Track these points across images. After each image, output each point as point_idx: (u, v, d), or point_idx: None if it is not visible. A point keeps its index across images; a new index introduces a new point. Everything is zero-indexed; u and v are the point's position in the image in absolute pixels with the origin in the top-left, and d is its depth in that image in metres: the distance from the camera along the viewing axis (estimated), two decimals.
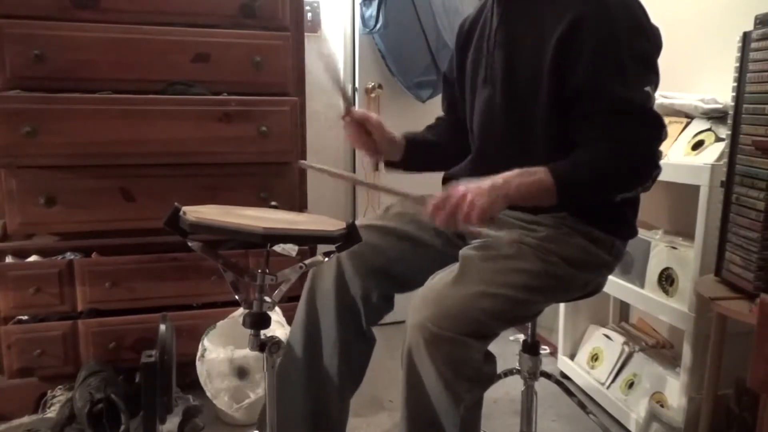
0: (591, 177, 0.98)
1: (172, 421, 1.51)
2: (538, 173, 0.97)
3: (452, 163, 1.26)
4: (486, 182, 0.95)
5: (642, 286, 1.61)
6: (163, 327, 1.37)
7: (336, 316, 1.17)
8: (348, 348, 1.18)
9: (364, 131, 1.19)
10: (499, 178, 0.96)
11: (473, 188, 0.94)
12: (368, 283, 1.16)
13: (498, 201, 0.94)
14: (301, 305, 1.21)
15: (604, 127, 0.98)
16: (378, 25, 2.24)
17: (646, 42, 1.01)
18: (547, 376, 1.47)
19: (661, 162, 1.01)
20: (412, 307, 0.99)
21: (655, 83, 1.02)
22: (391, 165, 1.27)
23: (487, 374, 1.00)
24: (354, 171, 2.49)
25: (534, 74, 1.05)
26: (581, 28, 0.98)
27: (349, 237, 0.98)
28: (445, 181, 1.27)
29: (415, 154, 1.26)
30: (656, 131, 0.99)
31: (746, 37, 1.23)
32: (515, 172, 0.97)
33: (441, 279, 1.01)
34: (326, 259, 1.05)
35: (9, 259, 1.65)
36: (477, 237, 1.07)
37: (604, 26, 0.98)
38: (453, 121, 1.34)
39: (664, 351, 1.74)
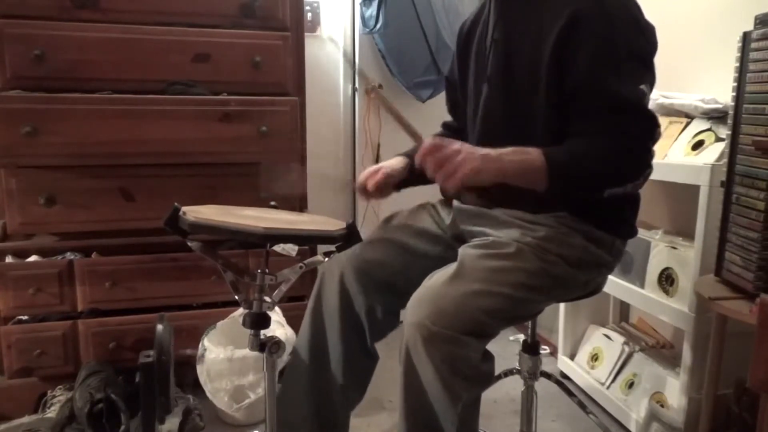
0: (582, 166, 0.98)
1: (172, 421, 1.51)
2: (532, 153, 0.97)
3: None
4: (481, 150, 0.96)
5: (642, 286, 1.60)
6: (160, 327, 1.37)
7: (341, 334, 1.17)
8: (352, 363, 1.18)
9: (382, 191, 1.22)
10: (493, 151, 0.97)
11: (468, 150, 0.95)
12: (373, 298, 1.16)
13: (487, 170, 0.94)
14: (306, 322, 1.22)
15: (599, 123, 0.98)
16: (378, 25, 2.24)
17: (644, 40, 1.01)
18: (547, 376, 1.47)
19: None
20: (410, 305, 0.99)
21: (651, 82, 1.02)
22: (399, 188, 1.27)
23: (485, 373, 1.00)
24: (354, 171, 2.49)
25: (532, 71, 1.05)
26: (579, 25, 0.98)
27: (349, 237, 0.98)
28: None
29: (419, 176, 1.24)
30: (650, 129, 0.99)
31: (746, 37, 1.23)
32: (510, 149, 0.97)
33: (439, 277, 1.00)
34: (326, 259, 1.05)
35: (9, 259, 1.65)
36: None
37: (602, 24, 0.98)
38: (457, 128, 1.35)
39: (664, 351, 1.74)
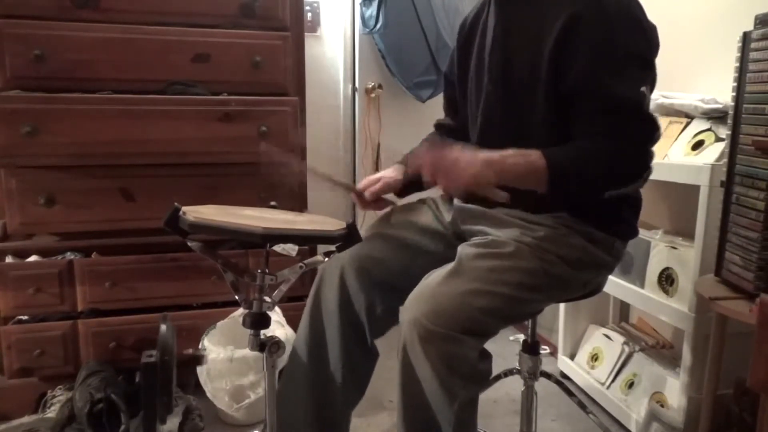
0: (582, 168, 0.99)
1: (172, 421, 1.51)
2: (533, 156, 0.98)
3: None
4: (482, 154, 0.96)
5: (642, 286, 1.61)
6: (163, 327, 1.37)
7: (340, 331, 1.17)
8: (352, 361, 1.18)
9: (380, 200, 1.23)
10: (495, 154, 0.97)
11: (468, 156, 0.95)
12: (372, 296, 1.16)
13: (488, 174, 0.95)
14: (305, 320, 1.22)
15: (600, 124, 0.99)
16: (378, 25, 2.24)
17: (644, 41, 1.01)
18: (547, 376, 1.47)
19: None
20: (407, 303, 0.99)
21: (651, 83, 1.02)
22: (401, 195, 1.28)
23: (482, 372, 1.00)
24: (354, 171, 2.49)
25: (532, 70, 1.05)
26: (578, 26, 0.98)
27: (349, 237, 0.98)
28: None
29: (416, 181, 1.23)
30: (650, 131, 0.99)
31: (746, 37, 1.23)
32: (510, 151, 0.98)
33: (436, 276, 1.01)
34: (326, 259, 1.05)
35: (9, 259, 1.65)
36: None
37: (602, 24, 0.98)
38: (453, 127, 1.34)
39: (664, 351, 1.74)
